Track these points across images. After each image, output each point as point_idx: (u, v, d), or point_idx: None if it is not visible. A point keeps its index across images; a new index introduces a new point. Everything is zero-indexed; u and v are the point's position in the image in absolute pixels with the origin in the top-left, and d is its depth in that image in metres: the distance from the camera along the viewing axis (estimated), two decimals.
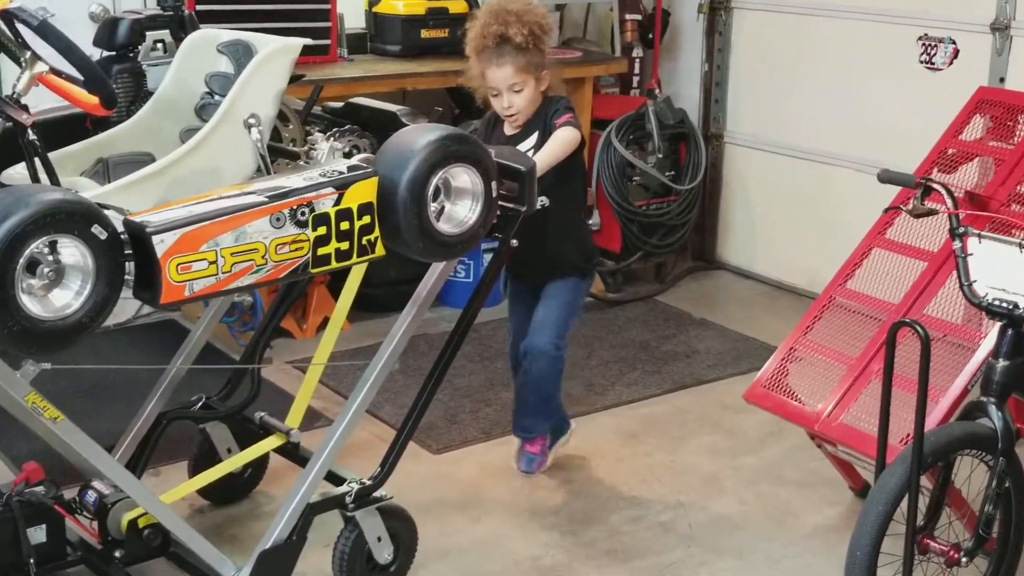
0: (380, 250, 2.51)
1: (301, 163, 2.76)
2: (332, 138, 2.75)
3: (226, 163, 2.63)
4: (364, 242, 2.46)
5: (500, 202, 2.72)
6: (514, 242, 3.00)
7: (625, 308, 5.17)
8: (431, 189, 2.50)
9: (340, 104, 3.14)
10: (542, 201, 3.27)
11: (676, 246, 5.34)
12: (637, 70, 5.54)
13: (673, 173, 5.27)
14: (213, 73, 2.83)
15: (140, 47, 2.92)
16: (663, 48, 5.52)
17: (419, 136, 2.53)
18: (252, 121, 2.63)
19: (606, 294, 5.24)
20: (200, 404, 3.30)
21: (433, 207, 2.54)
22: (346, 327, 4.78)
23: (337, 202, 2.41)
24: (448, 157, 2.51)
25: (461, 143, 2.54)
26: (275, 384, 4.32)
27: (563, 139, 3.17)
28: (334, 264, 2.43)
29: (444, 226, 2.56)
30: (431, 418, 4.00)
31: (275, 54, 2.66)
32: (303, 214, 2.36)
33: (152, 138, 2.81)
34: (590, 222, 5.23)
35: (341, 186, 2.42)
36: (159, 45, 2.89)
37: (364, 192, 2.44)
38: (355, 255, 2.46)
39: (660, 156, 5.18)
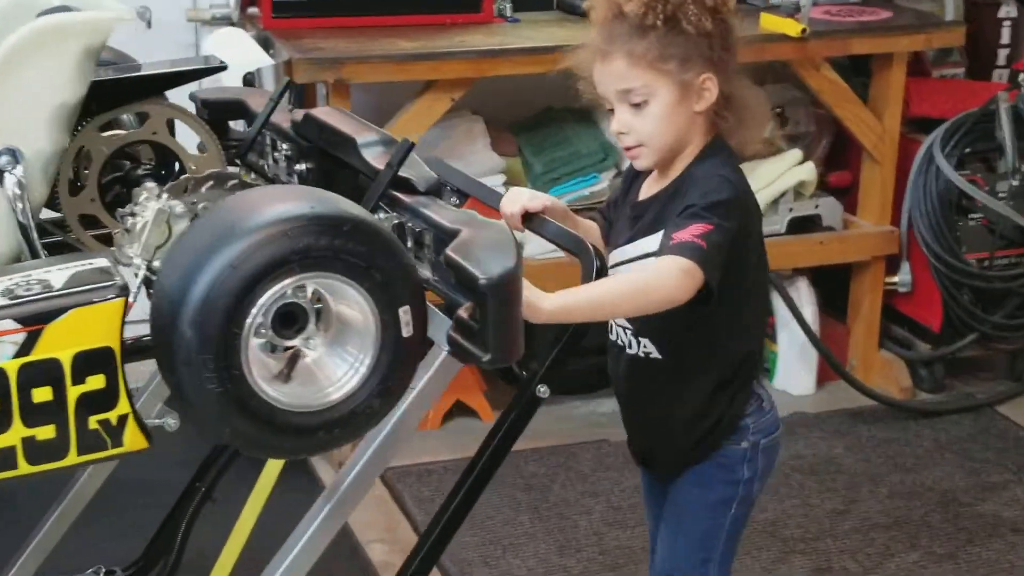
0: (137, 439, 1.53)
1: (119, 234, 1.82)
2: (164, 194, 1.79)
3: None
4: (94, 425, 1.49)
5: (456, 336, 1.67)
6: (544, 390, 1.95)
7: (938, 423, 3.86)
8: (251, 321, 1.49)
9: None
10: (644, 347, 2.10)
11: None
12: (1006, 39, 4.19)
13: None
14: None
15: None
16: None
17: (253, 210, 1.53)
18: (4, 162, 1.73)
19: (916, 393, 3.98)
20: None
21: (274, 358, 1.55)
22: (487, 417, 3.82)
23: (25, 350, 1.45)
24: (292, 261, 1.49)
25: (333, 231, 1.51)
26: None
27: (651, 281, 1.91)
28: (25, 467, 1.48)
29: (288, 393, 1.55)
30: None
31: (47, 34, 1.73)
32: None
33: None
34: (895, 280, 3.98)
35: (35, 318, 1.45)
36: None
37: (91, 329, 1.47)
38: (75, 449, 1.49)
39: (1017, 183, 3.83)
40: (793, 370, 4.03)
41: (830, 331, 4.05)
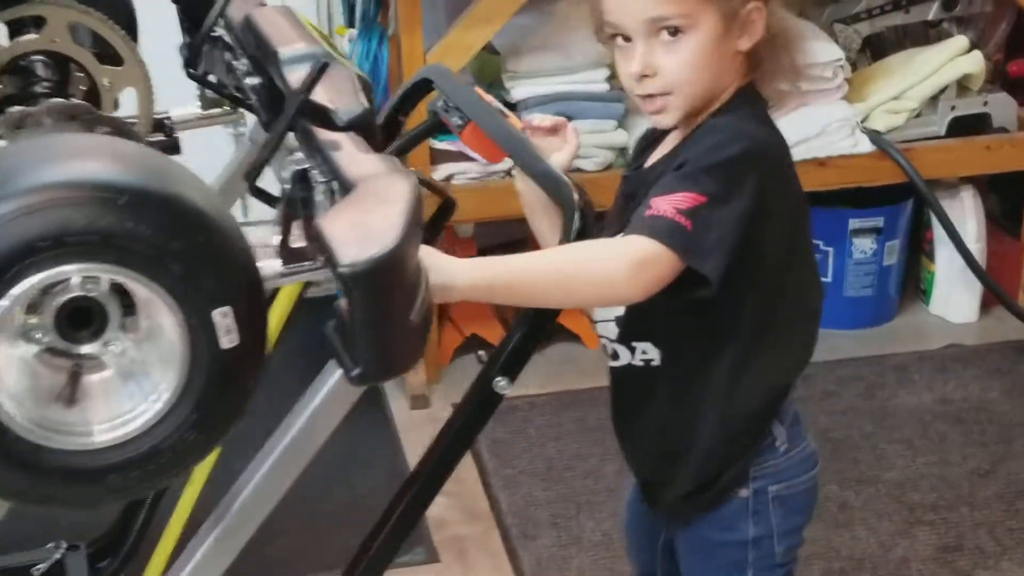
0: None
1: None
2: None
3: None
4: None
5: (332, 336, 1.20)
6: (504, 383, 1.47)
7: None
8: None
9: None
10: (644, 353, 1.57)
11: None
12: None
13: None
14: None
15: None
16: None
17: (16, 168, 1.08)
18: None
19: None
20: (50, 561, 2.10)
21: (53, 372, 1.11)
22: (592, 344, 3.33)
23: None
24: (40, 250, 1.04)
25: (100, 207, 1.05)
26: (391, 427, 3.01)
27: (593, 268, 1.39)
28: None
29: (62, 425, 1.11)
30: None
31: None
32: None
33: None
34: None
35: None
36: None
37: None
38: None
39: None
40: (953, 293, 3.40)
41: (1003, 248, 3.40)
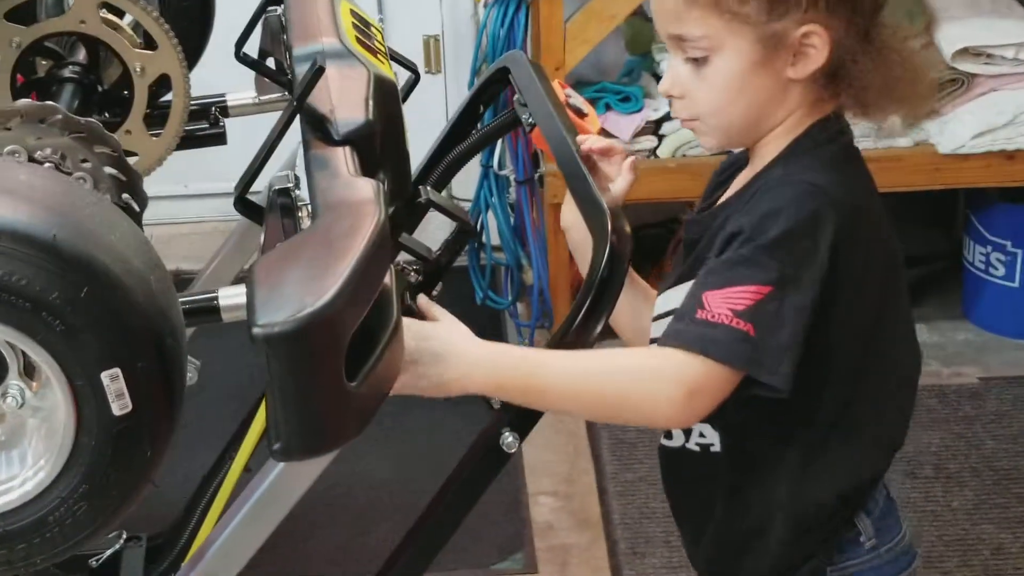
0: None
1: None
2: None
3: None
4: None
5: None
6: (512, 440, 1.30)
7: None
8: None
9: None
10: (701, 436, 1.37)
11: None
12: None
13: None
14: None
15: None
16: None
17: None
18: None
19: None
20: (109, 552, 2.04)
21: None
22: None
23: None
24: None
25: None
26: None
27: (631, 389, 1.23)
28: None
29: None
30: None
31: None
32: None
33: None
34: None
35: None
36: None
37: None
38: None
39: None
40: None
41: None
